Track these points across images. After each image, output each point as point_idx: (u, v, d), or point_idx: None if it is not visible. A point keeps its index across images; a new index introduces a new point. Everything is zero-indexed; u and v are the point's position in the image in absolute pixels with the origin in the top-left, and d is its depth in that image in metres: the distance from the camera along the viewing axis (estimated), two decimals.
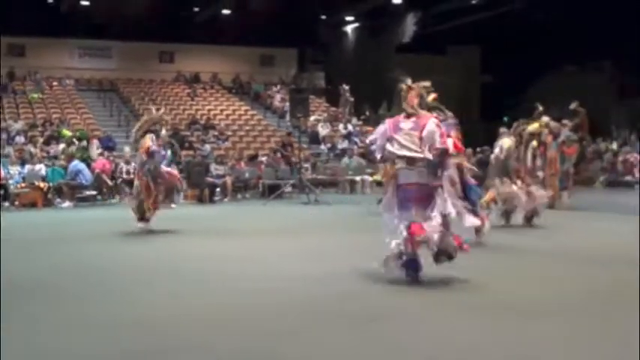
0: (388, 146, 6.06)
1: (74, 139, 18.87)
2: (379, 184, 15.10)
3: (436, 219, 5.93)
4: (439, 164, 6.03)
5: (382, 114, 25.89)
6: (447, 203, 6.03)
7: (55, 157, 17.44)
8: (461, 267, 6.16)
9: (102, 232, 10.15)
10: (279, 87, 28.64)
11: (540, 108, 10.88)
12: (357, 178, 19.04)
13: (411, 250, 5.99)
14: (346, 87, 26.80)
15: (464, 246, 6.15)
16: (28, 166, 16.09)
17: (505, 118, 30.15)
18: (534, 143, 10.76)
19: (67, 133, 19.91)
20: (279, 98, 27.02)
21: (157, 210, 10.22)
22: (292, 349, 4.33)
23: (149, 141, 10.16)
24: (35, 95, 24.58)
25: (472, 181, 7.73)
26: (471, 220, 6.53)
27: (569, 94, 15.22)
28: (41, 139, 19.38)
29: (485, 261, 7.01)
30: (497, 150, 10.40)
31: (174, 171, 11.22)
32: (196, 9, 28.99)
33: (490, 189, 10.07)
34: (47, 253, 8.38)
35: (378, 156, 6.34)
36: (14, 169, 15.78)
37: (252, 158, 19.23)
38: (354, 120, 25.50)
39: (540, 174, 11.11)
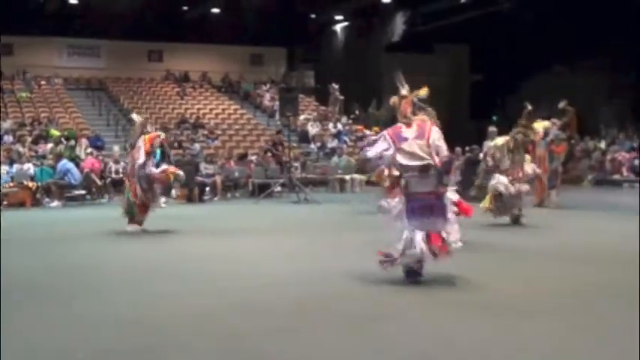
0: (398, 158, 6.05)
1: (62, 139, 18.79)
2: (370, 183, 15.14)
3: (453, 221, 6.10)
4: (445, 172, 6.08)
5: (371, 112, 26.04)
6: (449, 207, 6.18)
7: (44, 157, 17.37)
8: (456, 266, 6.20)
9: (92, 232, 10.12)
10: (268, 86, 28.64)
11: (529, 107, 10.90)
12: (347, 177, 19.03)
13: (422, 261, 6.00)
14: (336, 86, 26.85)
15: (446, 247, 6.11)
16: (16, 166, 15.99)
17: (494, 117, 30.33)
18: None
19: (55, 132, 19.82)
20: (268, 97, 27.01)
21: (146, 214, 10.18)
22: (284, 348, 4.32)
23: (148, 142, 10.09)
24: (24, 94, 24.49)
25: None
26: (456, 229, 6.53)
27: (558, 93, 15.25)
28: (30, 139, 19.31)
29: (479, 261, 7.04)
30: (488, 149, 10.44)
31: (168, 167, 10.97)
32: (185, 8, 28.92)
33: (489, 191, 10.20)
34: (39, 253, 8.34)
35: (387, 172, 6.66)
36: (2, 169, 15.66)
37: (242, 157, 19.19)
38: (344, 119, 25.55)
39: (530, 172, 11.12)
